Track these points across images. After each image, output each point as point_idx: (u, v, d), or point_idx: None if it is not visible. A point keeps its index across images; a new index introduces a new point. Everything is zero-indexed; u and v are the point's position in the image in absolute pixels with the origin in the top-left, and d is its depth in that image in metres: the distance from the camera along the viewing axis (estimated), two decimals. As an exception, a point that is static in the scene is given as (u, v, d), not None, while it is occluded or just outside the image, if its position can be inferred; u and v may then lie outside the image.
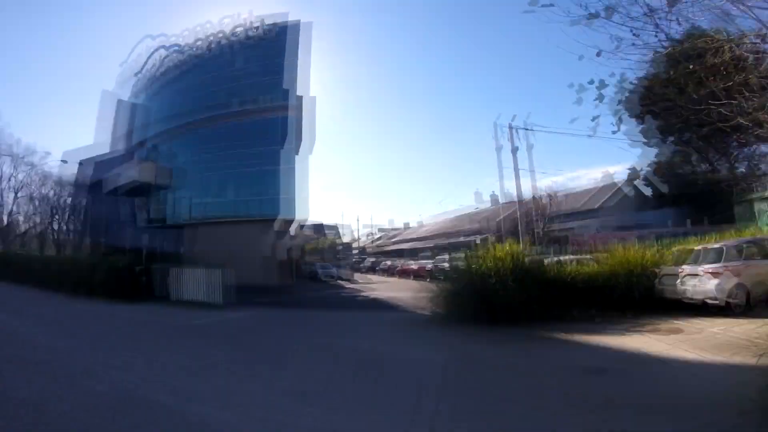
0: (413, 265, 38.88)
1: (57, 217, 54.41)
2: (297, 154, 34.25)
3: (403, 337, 10.53)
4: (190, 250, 35.65)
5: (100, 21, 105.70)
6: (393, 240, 67.93)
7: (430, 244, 50.85)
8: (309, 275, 40.61)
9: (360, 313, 15.51)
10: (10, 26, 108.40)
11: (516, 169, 28.36)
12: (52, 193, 55.09)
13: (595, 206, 36.53)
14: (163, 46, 43.06)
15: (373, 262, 54.99)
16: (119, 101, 48.08)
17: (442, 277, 13.09)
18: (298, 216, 32.77)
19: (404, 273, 39.61)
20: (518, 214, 27.84)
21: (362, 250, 72.42)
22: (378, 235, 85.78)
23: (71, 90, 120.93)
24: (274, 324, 12.30)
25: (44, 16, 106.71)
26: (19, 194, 52.42)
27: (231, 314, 14.72)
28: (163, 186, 39.11)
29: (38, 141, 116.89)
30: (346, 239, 70.30)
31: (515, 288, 11.62)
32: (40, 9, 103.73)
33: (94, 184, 45.69)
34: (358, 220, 60.48)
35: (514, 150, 28.92)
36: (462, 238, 42.65)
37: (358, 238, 73.06)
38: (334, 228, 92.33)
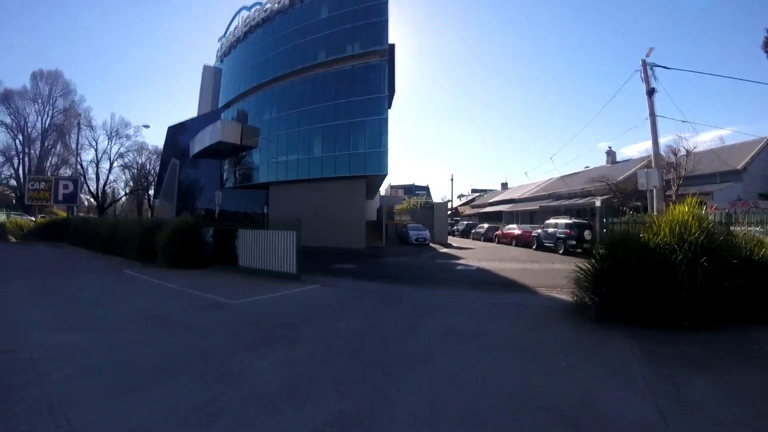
0: (515, 230, 34.72)
1: (151, 183, 55.93)
2: (389, 107, 30.76)
3: (556, 349, 6.45)
4: (274, 211, 34.24)
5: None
6: (489, 202, 63.07)
7: (532, 206, 46.02)
8: (399, 237, 37.53)
9: (468, 292, 11.87)
10: (129, 16, 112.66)
11: (652, 116, 23.14)
12: (147, 161, 58.12)
13: (738, 166, 30.17)
14: (245, 7, 42.15)
15: (467, 225, 51.34)
16: (206, 68, 49.13)
17: (599, 252, 9.18)
18: (389, 173, 29.41)
19: (504, 238, 35.62)
20: (657, 172, 22.78)
21: (455, 212, 68.37)
22: (471, 197, 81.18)
23: (183, 69, 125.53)
24: (351, 312, 8.90)
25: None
26: (114, 164, 54.98)
27: (299, 291, 11.65)
28: (249, 146, 37.73)
29: (148, 119, 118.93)
30: (437, 201, 66.64)
31: (713, 273, 7.77)
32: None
33: (182, 148, 46.27)
34: (452, 179, 55.69)
35: (650, 92, 23.59)
36: (576, 200, 37.71)
37: (451, 199, 69.02)
38: (425, 189, 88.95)
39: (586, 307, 8.71)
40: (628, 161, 42.21)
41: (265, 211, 34.30)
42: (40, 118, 52.05)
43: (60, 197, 34.36)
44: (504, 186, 71.85)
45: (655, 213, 16.06)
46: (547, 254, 26.03)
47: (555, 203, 41.36)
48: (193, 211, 37.07)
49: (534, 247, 29.64)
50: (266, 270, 14.27)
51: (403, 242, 34.89)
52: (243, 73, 40.44)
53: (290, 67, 34.30)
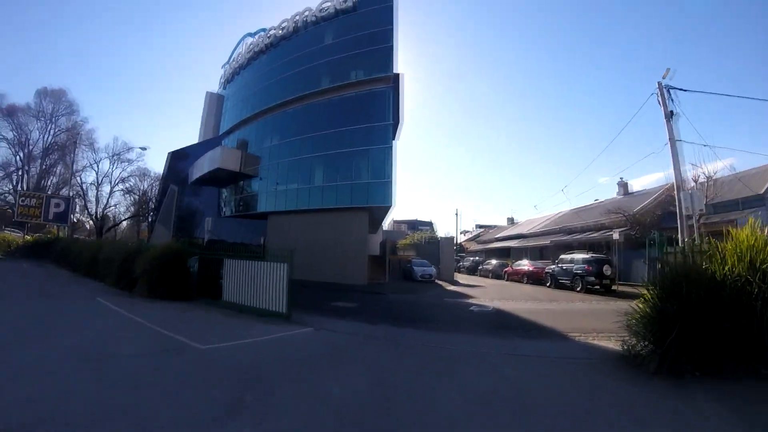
0: (526, 266, 32.80)
1: (152, 209, 55.25)
2: (394, 137, 29.34)
3: (631, 424, 4.79)
4: (273, 242, 32.61)
5: (207, 26, 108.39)
6: (496, 237, 61.10)
7: (543, 241, 44.11)
8: (404, 273, 35.48)
9: (490, 339, 9.97)
10: (130, 38, 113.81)
11: (672, 140, 21.48)
12: (150, 188, 57.78)
13: (761, 191, 28.31)
14: (249, 33, 41.80)
15: (474, 262, 49.33)
16: (209, 94, 48.54)
17: (653, 287, 7.39)
18: (393, 205, 27.66)
19: (515, 275, 33.65)
20: (678, 200, 20.96)
21: (460, 248, 66.27)
22: (476, 232, 79.23)
23: (185, 97, 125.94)
24: (349, 367, 6.92)
25: (161, 23, 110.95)
26: (116, 188, 54.08)
27: (287, 335, 9.68)
28: (249, 174, 36.30)
29: (151, 145, 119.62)
30: (443, 236, 64.60)
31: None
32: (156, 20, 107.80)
33: (181, 174, 45.27)
34: (457, 213, 53.53)
35: (668, 115, 22.00)
36: (590, 234, 35.79)
37: (457, 235, 67.21)
38: (429, 224, 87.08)
39: (640, 357, 7.00)
40: (642, 192, 40.46)
41: (263, 242, 32.61)
42: (42, 136, 51.64)
43: (51, 216, 33.19)
44: (511, 221, 69.94)
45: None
46: (564, 292, 24.08)
47: (567, 237, 39.43)
48: (190, 239, 35.50)
49: (548, 284, 27.67)
50: (252, 307, 12.40)
51: (408, 278, 32.77)
52: (245, 100, 39.47)
53: (293, 94, 33.11)
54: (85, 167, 51.66)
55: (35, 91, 52.52)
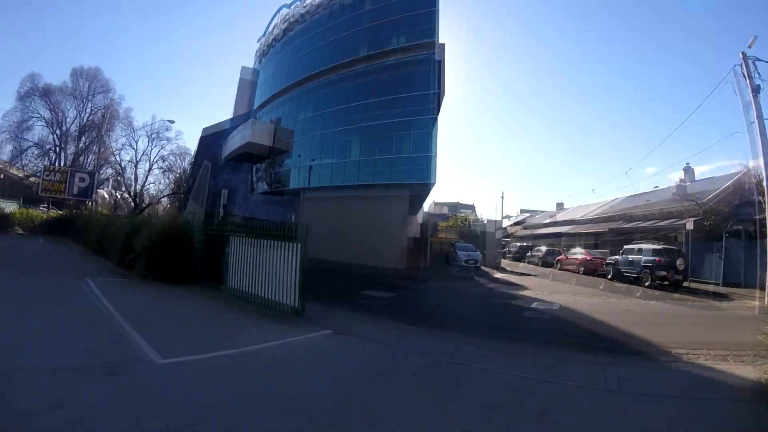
0: (582, 254, 29.49)
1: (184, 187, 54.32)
2: (437, 109, 26.53)
3: None
4: (304, 221, 30.48)
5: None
6: (545, 222, 57.35)
7: (599, 228, 40.46)
8: (445, 257, 32.59)
9: (572, 361, 7.11)
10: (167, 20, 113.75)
11: (760, 118, 18.15)
12: (189, 166, 56.73)
13: None
14: (285, 5, 39.46)
15: (521, 248, 45.94)
16: (243, 68, 46.89)
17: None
18: (435, 182, 25.07)
19: (568, 264, 30.29)
20: (766, 183, 17.64)
21: (504, 233, 62.38)
22: (521, 217, 75.33)
23: (224, 73, 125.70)
24: (369, 421, 4.22)
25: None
26: (154, 167, 54.04)
27: (291, 343, 7.05)
28: (281, 149, 34.16)
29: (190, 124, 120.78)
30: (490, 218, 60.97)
31: None
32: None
33: (215, 150, 43.90)
34: (502, 196, 49.30)
35: (756, 90, 18.66)
36: (656, 223, 32.08)
37: (501, 218, 63.37)
38: (471, 208, 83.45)
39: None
40: (710, 179, 36.29)
41: (293, 220, 30.57)
42: (78, 115, 51.03)
43: (75, 190, 32.18)
44: (560, 206, 65.46)
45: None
46: (629, 287, 20.56)
47: (627, 225, 35.69)
48: (224, 217, 34.04)
49: (609, 276, 24.14)
50: (259, 296, 9.87)
51: (450, 263, 29.97)
52: (279, 72, 37.30)
53: (328, 63, 30.61)
54: (123, 146, 51.60)
55: (70, 70, 51.85)
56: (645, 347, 8.31)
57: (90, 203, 34.79)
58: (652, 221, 32.68)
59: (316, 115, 31.28)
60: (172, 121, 35.95)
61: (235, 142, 37.49)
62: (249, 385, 5.16)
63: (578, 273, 28.00)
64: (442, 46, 26.73)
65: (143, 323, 7.44)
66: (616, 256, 24.38)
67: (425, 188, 25.93)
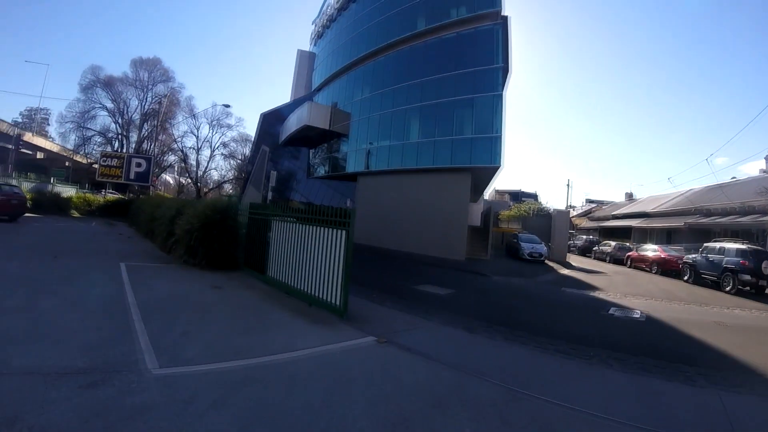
0: (657, 252, 26.34)
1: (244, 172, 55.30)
2: (503, 85, 24.16)
3: None
4: (361, 206, 29.11)
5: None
6: (614, 214, 53.33)
7: (674, 222, 36.87)
8: (507, 249, 30.32)
9: (675, 392, 5.26)
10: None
11: None
12: (248, 151, 57.82)
13: None
14: None
15: (587, 241, 42.69)
16: (300, 52, 46.36)
17: None
18: (501, 166, 22.74)
19: (640, 262, 27.16)
20: None
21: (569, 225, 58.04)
22: (587, 208, 70.90)
23: (282, 58, 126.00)
24: None
25: None
26: (216, 152, 54.65)
27: (326, 353, 5.55)
28: (338, 131, 32.85)
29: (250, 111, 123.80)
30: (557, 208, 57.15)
31: None
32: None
33: (273, 135, 43.66)
34: (569, 184, 45.37)
35: None
36: (737, 218, 28.54)
37: (567, 207, 59.48)
38: (533, 196, 79.10)
39: None
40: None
41: (349, 204, 29.20)
42: (140, 104, 52.48)
43: (132, 175, 32.10)
44: (629, 196, 61.26)
45: None
46: (709, 291, 17.70)
47: (705, 220, 32.19)
48: (273, 201, 33.33)
49: (686, 278, 21.09)
50: (297, 290, 8.47)
51: (512, 256, 27.76)
52: (335, 53, 35.93)
53: (385, 40, 28.85)
54: (185, 133, 52.78)
55: (130, 61, 53.31)
56: (752, 375, 6.34)
57: (150, 187, 34.75)
58: (732, 216, 29.18)
59: (373, 95, 29.67)
60: (228, 106, 35.72)
61: (291, 125, 36.67)
62: (256, 414, 3.60)
63: (651, 272, 25.10)
64: (506, 18, 24.30)
65: (158, 318, 6.30)
66: (694, 255, 21.32)
67: (489, 172, 23.72)
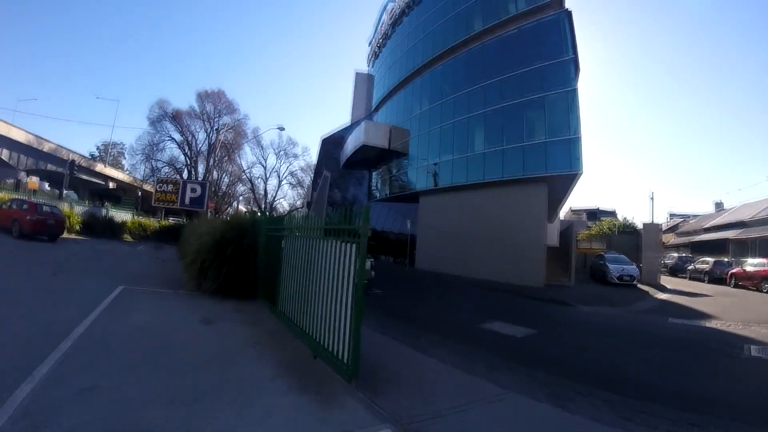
0: (764, 266, 21.44)
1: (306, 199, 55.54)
2: (575, 81, 20.67)
3: None
4: (424, 227, 26.62)
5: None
6: (705, 227, 47.25)
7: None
8: (591, 272, 25.85)
9: None
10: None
11: None
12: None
13: None
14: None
15: (679, 259, 37.27)
16: (357, 74, 45.28)
17: None
18: (581, 172, 19.01)
19: (748, 280, 22.39)
20: None
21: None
22: (672, 223, 63.98)
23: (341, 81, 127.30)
24: None
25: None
26: (282, 182, 56.84)
27: None
28: (398, 150, 30.58)
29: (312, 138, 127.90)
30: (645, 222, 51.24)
31: None
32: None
33: (333, 159, 42.69)
34: (652, 197, 39.87)
35: None
36: None
37: (652, 222, 53.44)
38: (611, 214, 72.49)
39: None
40: None
41: (409, 226, 26.45)
42: (207, 136, 53.33)
43: (187, 201, 31.52)
44: (719, 206, 52.73)
45: None
46: None
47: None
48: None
49: None
50: (304, 332, 5.77)
51: (599, 279, 23.33)
52: (391, 69, 33.88)
53: (441, 47, 26.42)
54: (254, 164, 54.90)
55: (196, 94, 55.59)
56: None
57: (207, 212, 34.11)
58: None
59: (432, 107, 27.08)
60: (282, 128, 34.84)
61: (349, 147, 35.13)
62: None
63: (762, 291, 20.33)
64: (569, 14, 20.98)
65: (82, 359, 4.51)
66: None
67: (567, 181, 19.91)
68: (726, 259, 29.08)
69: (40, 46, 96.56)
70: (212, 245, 9.29)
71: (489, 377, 5.28)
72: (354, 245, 4.60)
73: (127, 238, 26.63)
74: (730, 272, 24.38)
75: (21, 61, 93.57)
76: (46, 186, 44.30)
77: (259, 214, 12.97)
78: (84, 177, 47.62)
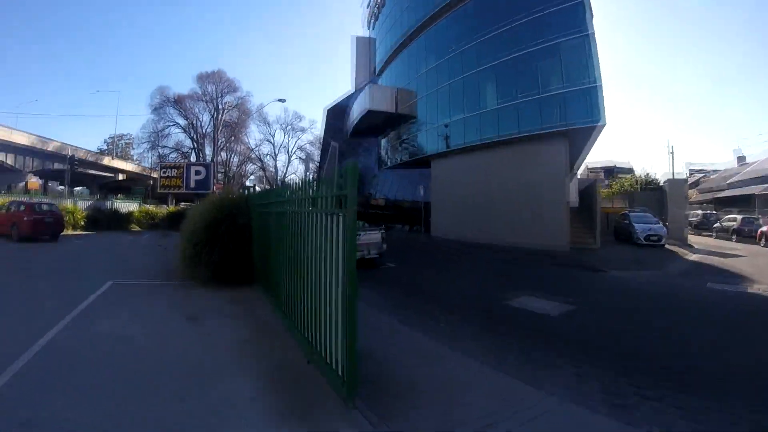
0: None
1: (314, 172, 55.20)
2: (590, 19, 18.27)
3: None
4: (436, 193, 25.52)
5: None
6: (729, 183, 45.27)
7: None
8: (616, 233, 24.12)
9: None
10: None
11: None
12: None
13: None
14: None
15: (703, 216, 35.29)
16: (356, 39, 43.25)
17: None
18: (604, 123, 17.38)
19: None
20: None
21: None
22: (693, 179, 61.49)
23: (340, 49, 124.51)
24: None
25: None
26: (292, 157, 57.40)
27: None
28: (405, 113, 28.96)
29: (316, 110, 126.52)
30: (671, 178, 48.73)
31: None
32: None
33: (339, 129, 41.46)
34: (671, 151, 37.26)
35: None
36: None
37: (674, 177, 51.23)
38: (629, 171, 69.43)
39: None
40: None
41: (422, 193, 25.22)
42: (211, 117, 52.71)
43: (192, 184, 30.46)
44: (741, 159, 50.36)
45: None
46: None
47: None
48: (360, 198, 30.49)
49: None
50: (296, 328, 4.74)
51: (624, 240, 21.71)
52: (393, 29, 31.70)
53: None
54: (261, 141, 55.22)
55: (195, 76, 53.02)
56: None
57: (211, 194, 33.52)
58: None
59: (438, 64, 25.29)
60: (283, 100, 33.90)
61: (354, 114, 33.45)
62: None
63: None
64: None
65: (51, 385, 3.62)
66: None
67: (589, 134, 18.26)
68: (754, 216, 27.58)
69: (40, 46, 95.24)
70: (203, 228, 8.29)
71: (527, 376, 4.14)
72: (340, 216, 3.43)
73: (134, 228, 26.24)
74: (760, 231, 22.83)
75: (20, 63, 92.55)
76: (58, 186, 44.35)
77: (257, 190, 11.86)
78: (92, 171, 47.37)
